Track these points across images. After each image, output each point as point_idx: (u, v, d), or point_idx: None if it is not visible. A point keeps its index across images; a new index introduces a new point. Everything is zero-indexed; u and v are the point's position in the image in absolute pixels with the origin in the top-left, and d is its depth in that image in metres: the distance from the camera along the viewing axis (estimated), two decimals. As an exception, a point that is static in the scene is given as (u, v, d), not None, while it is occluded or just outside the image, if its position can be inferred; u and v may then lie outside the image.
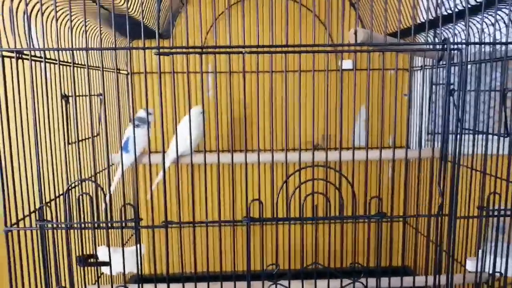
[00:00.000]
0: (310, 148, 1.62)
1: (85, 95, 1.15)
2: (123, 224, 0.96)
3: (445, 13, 1.03)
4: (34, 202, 0.95)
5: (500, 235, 1.08)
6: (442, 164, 0.99)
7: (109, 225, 0.96)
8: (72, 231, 0.97)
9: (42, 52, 0.90)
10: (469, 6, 0.92)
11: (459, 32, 1.29)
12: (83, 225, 0.96)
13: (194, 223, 0.99)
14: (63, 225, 0.95)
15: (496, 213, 1.02)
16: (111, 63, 1.43)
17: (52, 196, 0.97)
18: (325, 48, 0.95)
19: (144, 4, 1.04)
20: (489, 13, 1.09)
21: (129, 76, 1.55)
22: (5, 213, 0.92)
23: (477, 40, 1.20)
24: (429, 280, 1.10)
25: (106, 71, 1.39)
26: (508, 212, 1.01)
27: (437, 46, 0.94)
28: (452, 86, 0.98)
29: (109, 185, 0.98)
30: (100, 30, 0.90)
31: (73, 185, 0.95)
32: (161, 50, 0.90)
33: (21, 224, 0.95)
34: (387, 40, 0.96)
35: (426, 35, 0.94)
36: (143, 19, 0.92)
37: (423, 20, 1.19)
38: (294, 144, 1.62)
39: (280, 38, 1.53)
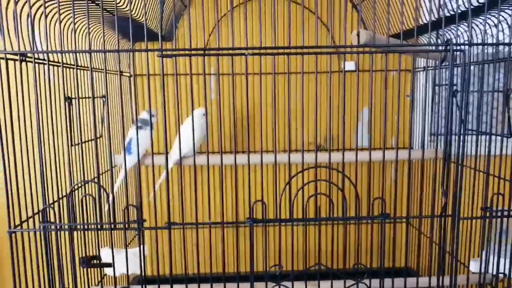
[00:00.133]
0: (313, 150, 1.62)
1: (88, 97, 1.16)
2: (126, 226, 0.96)
3: (447, 14, 1.03)
4: (38, 204, 0.95)
5: (503, 236, 1.07)
6: (445, 165, 0.99)
7: (112, 226, 0.96)
8: (75, 232, 0.98)
9: (45, 54, 0.90)
10: (472, 7, 0.92)
11: (462, 33, 1.29)
12: (86, 227, 0.96)
13: (197, 224, 0.99)
14: (66, 227, 0.96)
15: (499, 214, 1.01)
16: (114, 65, 1.44)
17: (56, 198, 0.97)
18: (328, 50, 0.95)
19: (147, 7, 1.05)
20: (491, 14, 1.09)
21: (131, 78, 1.55)
22: (8, 214, 0.93)
23: (479, 41, 1.20)
24: (432, 281, 1.09)
25: (109, 73, 1.39)
26: (512, 213, 1.01)
27: (440, 47, 0.94)
28: (455, 87, 0.98)
29: (112, 187, 0.98)
30: (104, 33, 0.90)
31: (76, 186, 0.95)
32: (164, 52, 0.90)
33: (24, 226, 0.96)
34: (390, 41, 0.96)
35: (429, 36, 0.94)
36: (146, 21, 0.92)
37: (426, 22, 1.19)
38: (297, 145, 1.62)
39: (282, 40, 1.54)
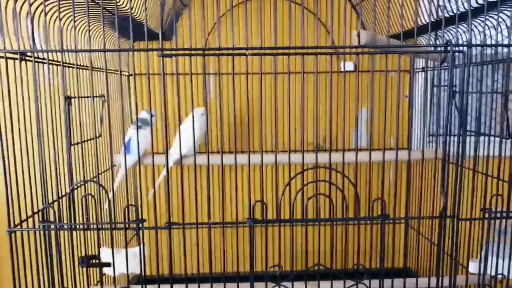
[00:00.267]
0: (312, 150, 1.62)
1: (88, 97, 1.16)
2: (127, 226, 0.96)
3: (447, 15, 1.03)
4: (37, 203, 0.95)
5: (502, 237, 1.08)
6: (444, 166, 0.99)
7: (112, 226, 0.96)
8: (75, 231, 0.98)
9: (45, 53, 0.90)
10: (471, 8, 0.92)
11: (461, 34, 1.30)
12: (86, 226, 0.96)
13: (197, 224, 0.99)
14: (66, 226, 0.95)
15: (498, 215, 1.02)
16: (113, 65, 1.43)
17: (55, 197, 0.97)
18: (328, 50, 0.95)
19: (147, 6, 1.05)
20: (490, 15, 1.09)
21: (131, 78, 1.55)
22: (8, 214, 0.92)
23: (479, 42, 1.21)
24: (431, 282, 1.10)
25: (108, 72, 1.39)
26: (511, 214, 1.02)
27: (440, 48, 0.94)
28: (454, 88, 0.98)
29: (112, 186, 0.98)
30: (104, 32, 0.90)
31: (75, 186, 0.95)
32: (164, 52, 0.90)
33: (24, 225, 0.95)
34: (389, 42, 0.97)
35: (429, 37, 0.94)
36: (146, 21, 0.92)
37: (425, 22, 1.19)
38: (296, 145, 1.62)
39: (281, 40, 1.54)
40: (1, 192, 0.91)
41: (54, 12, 0.95)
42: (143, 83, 1.57)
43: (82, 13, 1.07)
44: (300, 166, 1.02)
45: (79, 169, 0.99)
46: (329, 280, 1.04)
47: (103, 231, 0.99)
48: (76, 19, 0.91)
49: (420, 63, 1.56)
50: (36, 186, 0.93)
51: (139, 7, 1.18)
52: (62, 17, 0.91)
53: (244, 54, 0.91)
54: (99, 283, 1.02)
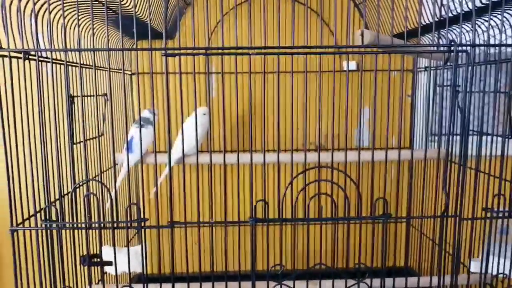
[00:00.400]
0: (314, 149, 1.62)
1: (91, 95, 1.16)
2: (129, 224, 0.96)
3: (450, 14, 1.03)
4: (40, 202, 0.95)
5: (504, 237, 1.08)
6: (447, 165, 0.99)
7: (115, 225, 0.96)
8: (77, 230, 0.98)
9: (49, 52, 0.90)
10: (475, 8, 0.92)
11: (464, 34, 1.29)
12: (88, 225, 0.96)
13: (200, 223, 0.99)
14: (68, 225, 0.96)
15: (501, 214, 1.02)
16: (116, 63, 1.43)
17: (57, 196, 0.97)
18: (331, 50, 0.95)
19: (151, 5, 1.05)
20: (494, 14, 1.09)
21: (133, 77, 1.55)
22: (11, 212, 0.92)
23: (482, 41, 1.20)
24: (433, 281, 1.10)
25: (111, 71, 1.39)
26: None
27: (444, 48, 0.94)
28: (457, 88, 0.98)
29: (115, 185, 0.98)
30: (108, 31, 0.90)
31: (78, 185, 0.95)
32: (167, 51, 0.90)
33: (26, 224, 0.95)
34: (393, 41, 0.96)
35: (433, 36, 0.94)
36: (150, 20, 0.92)
37: (429, 22, 1.19)
38: (297, 144, 1.62)
39: (284, 39, 1.53)
40: (4, 191, 0.91)
41: (58, 11, 0.95)
42: (145, 82, 1.57)
43: (86, 12, 1.07)
44: (302, 165, 1.02)
45: (81, 167, 0.99)
46: (331, 279, 1.04)
47: (105, 230, 0.99)
48: (80, 18, 0.91)
49: (423, 62, 1.56)
50: (38, 185, 0.94)
51: (142, 6, 1.18)
52: (66, 16, 0.91)
53: (247, 54, 0.90)
54: (100, 282, 1.02)
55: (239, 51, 0.92)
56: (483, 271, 1.05)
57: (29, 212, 0.95)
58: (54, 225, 0.95)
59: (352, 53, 1.05)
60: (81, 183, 0.95)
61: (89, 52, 1.19)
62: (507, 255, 1.06)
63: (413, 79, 1.60)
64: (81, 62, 0.93)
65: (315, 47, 0.93)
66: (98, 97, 0.97)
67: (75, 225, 0.96)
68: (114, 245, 0.97)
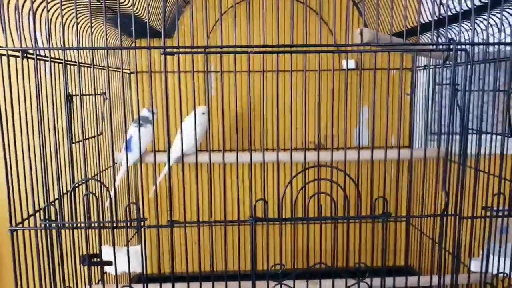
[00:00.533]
0: (313, 148, 1.62)
1: (90, 94, 1.15)
2: (128, 224, 0.96)
3: (449, 13, 1.03)
4: (39, 202, 0.95)
5: (504, 235, 1.08)
6: (446, 164, 0.99)
7: (114, 225, 0.96)
8: (76, 230, 0.97)
9: (47, 51, 0.89)
10: (474, 6, 0.92)
11: (463, 32, 1.29)
12: (87, 225, 0.96)
13: (199, 222, 0.99)
14: (68, 225, 0.95)
15: (500, 213, 1.02)
16: (114, 62, 1.43)
17: (57, 196, 0.97)
18: (330, 48, 0.95)
19: (149, 4, 1.04)
20: (493, 13, 1.09)
21: (132, 75, 1.55)
22: (10, 212, 0.92)
23: (481, 40, 1.20)
24: (433, 280, 1.10)
25: (110, 70, 1.39)
26: (513, 213, 1.02)
27: (443, 47, 0.94)
28: (456, 86, 0.98)
29: (114, 184, 0.98)
30: (106, 30, 0.90)
31: (77, 184, 0.95)
32: (166, 50, 0.90)
33: (25, 224, 0.95)
34: (392, 40, 0.96)
35: (432, 35, 0.93)
36: (149, 19, 0.92)
37: (427, 20, 1.19)
38: (297, 143, 1.62)
39: (283, 38, 1.53)
40: (3, 190, 0.91)
41: (56, 9, 0.95)
42: (144, 81, 1.56)
43: (84, 10, 1.06)
44: (302, 164, 1.02)
45: (80, 167, 0.99)
46: (331, 278, 1.04)
47: (105, 230, 0.99)
48: (78, 16, 0.91)
49: (422, 61, 1.56)
50: (37, 185, 0.93)
51: (141, 4, 1.18)
52: (64, 15, 0.91)
53: (246, 52, 0.90)
54: (100, 282, 1.02)
55: (238, 49, 0.91)
56: (484, 270, 1.05)
57: (28, 212, 0.95)
58: (53, 225, 0.95)
59: (351, 52, 1.05)
60: (80, 183, 0.95)
61: (87, 50, 1.19)
62: (507, 254, 1.06)
63: (412, 78, 1.60)
64: (80, 61, 0.93)
65: (314, 45, 0.93)
66: (96, 96, 0.97)
67: (74, 225, 0.96)
68: (113, 245, 0.97)
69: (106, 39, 0.91)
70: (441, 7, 1.02)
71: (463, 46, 0.93)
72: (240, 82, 1.55)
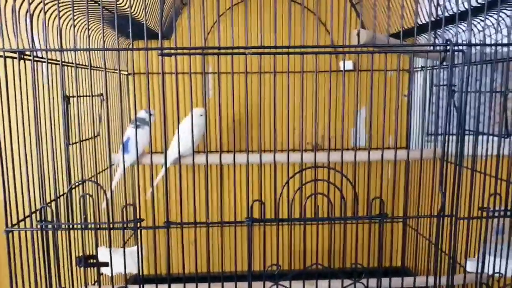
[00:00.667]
0: (310, 149, 1.62)
1: (87, 96, 1.15)
2: (125, 225, 0.96)
3: (446, 14, 1.03)
4: (35, 203, 0.94)
5: (500, 236, 1.08)
6: (443, 165, 0.99)
7: (111, 226, 0.96)
8: (73, 231, 0.97)
9: (44, 52, 0.89)
10: (471, 7, 0.92)
11: (460, 33, 1.30)
12: (84, 226, 0.95)
13: (196, 223, 0.99)
14: (64, 226, 0.95)
15: (497, 214, 1.02)
16: (111, 64, 1.43)
17: (53, 197, 0.97)
18: (328, 49, 0.95)
19: (146, 5, 1.05)
20: (489, 14, 1.09)
21: (129, 77, 1.55)
22: (6, 213, 0.92)
23: (478, 41, 1.21)
24: (429, 281, 1.10)
25: (107, 71, 1.38)
26: (509, 213, 1.02)
27: (440, 48, 0.94)
28: (453, 87, 0.98)
29: (110, 186, 0.97)
30: (103, 31, 0.90)
31: (73, 185, 0.95)
32: (164, 51, 0.90)
33: (21, 225, 0.95)
34: (389, 41, 0.96)
35: (429, 36, 0.94)
36: (146, 20, 0.92)
37: (425, 21, 1.19)
38: (294, 145, 1.62)
39: (281, 39, 1.53)
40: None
41: (54, 11, 0.95)
42: (141, 82, 1.56)
43: (82, 12, 1.06)
44: (299, 165, 1.02)
45: (77, 168, 0.98)
46: (327, 279, 1.04)
47: (101, 231, 0.98)
48: (75, 18, 0.91)
49: (419, 62, 1.56)
50: (34, 186, 0.93)
51: (138, 6, 1.18)
52: (61, 16, 0.91)
53: (244, 53, 0.90)
54: (96, 283, 1.02)
55: (236, 50, 0.92)
56: (479, 270, 1.06)
57: (24, 213, 0.94)
58: (49, 226, 0.95)
59: (348, 53, 1.05)
60: (76, 184, 0.95)
61: (84, 52, 1.19)
62: (503, 255, 1.07)
63: (409, 79, 1.60)
64: (77, 62, 0.92)
65: (311, 46, 0.93)
66: (94, 97, 0.97)
67: (71, 226, 0.96)
68: (110, 246, 0.96)
69: (104, 40, 0.91)
70: (438, 8, 1.03)
71: (460, 47, 0.94)
72: (238, 83, 1.55)
